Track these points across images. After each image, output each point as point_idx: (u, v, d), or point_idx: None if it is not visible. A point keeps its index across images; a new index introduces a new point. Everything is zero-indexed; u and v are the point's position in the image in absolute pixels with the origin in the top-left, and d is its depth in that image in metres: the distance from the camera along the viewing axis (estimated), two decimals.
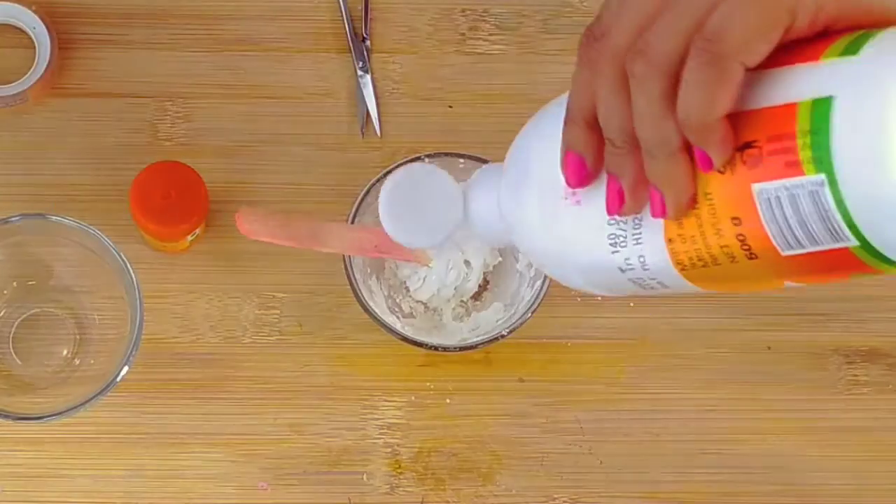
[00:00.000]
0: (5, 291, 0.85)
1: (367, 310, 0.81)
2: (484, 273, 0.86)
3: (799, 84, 0.46)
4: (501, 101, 0.90)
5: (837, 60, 0.45)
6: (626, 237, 0.52)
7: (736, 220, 0.48)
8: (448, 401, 0.86)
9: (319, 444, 0.85)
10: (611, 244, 0.52)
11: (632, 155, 0.50)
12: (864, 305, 0.88)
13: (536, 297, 0.81)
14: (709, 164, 0.47)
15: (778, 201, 0.46)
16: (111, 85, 0.89)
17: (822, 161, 0.44)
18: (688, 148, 0.48)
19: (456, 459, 0.86)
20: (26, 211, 0.80)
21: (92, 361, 0.84)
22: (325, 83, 0.90)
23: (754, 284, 0.51)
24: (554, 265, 0.56)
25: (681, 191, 0.49)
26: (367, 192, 0.81)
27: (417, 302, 0.86)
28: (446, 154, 0.82)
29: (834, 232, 0.45)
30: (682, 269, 0.51)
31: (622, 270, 0.53)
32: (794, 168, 0.45)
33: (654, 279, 0.52)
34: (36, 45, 0.88)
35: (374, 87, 0.89)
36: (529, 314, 0.81)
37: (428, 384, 0.86)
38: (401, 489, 0.85)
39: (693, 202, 0.49)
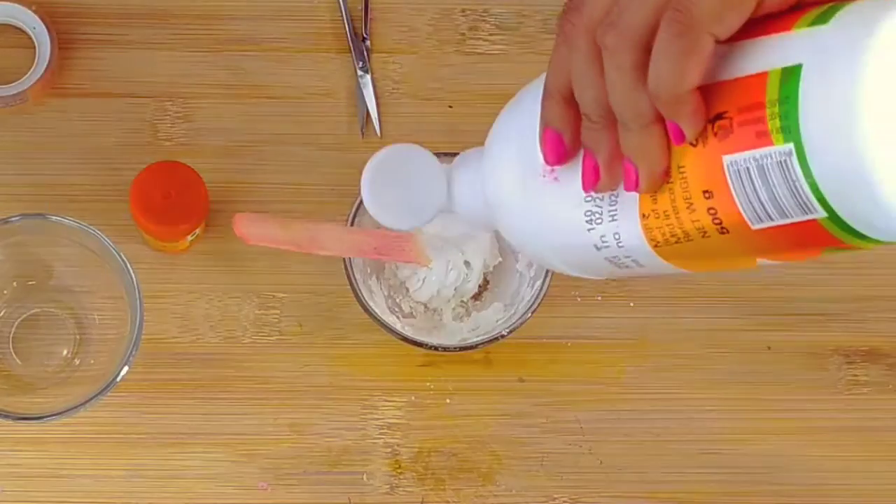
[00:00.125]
0: (5, 291, 0.85)
1: (367, 310, 0.81)
2: (484, 273, 0.86)
3: (769, 54, 0.45)
4: (501, 101, 0.88)
5: (807, 30, 0.45)
6: (601, 214, 0.52)
7: (707, 194, 0.47)
8: (448, 401, 0.86)
9: (319, 444, 0.85)
10: (587, 221, 0.52)
11: (607, 130, 0.50)
12: (864, 305, 0.88)
13: (536, 297, 0.81)
14: (681, 137, 0.47)
15: (747, 172, 0.46)
16: (111, 85, 0.88)
17: (791, 130, 0.44)
18: (662, 121, 0.48)
19: (456, 459, 0.86)
20: (26, 211, 0.80)
21: (92, 361, 0.84)
22: (325, 83, 0.89)
23: (727, 262, 0.50)
24: (532, 244, 0.56)
25: (654, 163, 0.48)
26: None
27: (417, 302, 0.86)
28: (446, 154, 0.81)
29: (802, 203, 0.45)
30: (656, 246, 0.50)
31: (598, 248, 0.52)
32: (763, 138, 0.45)
33: (628, 257, 0.52)
34: (36, 45, 0.88)
35: (374, 87, 0.89)
36: (529, 314, 0.81)
37: (428, 384, 0.86)
38: (401, 489, 0.85)
39: (666, 175, 0.49)
